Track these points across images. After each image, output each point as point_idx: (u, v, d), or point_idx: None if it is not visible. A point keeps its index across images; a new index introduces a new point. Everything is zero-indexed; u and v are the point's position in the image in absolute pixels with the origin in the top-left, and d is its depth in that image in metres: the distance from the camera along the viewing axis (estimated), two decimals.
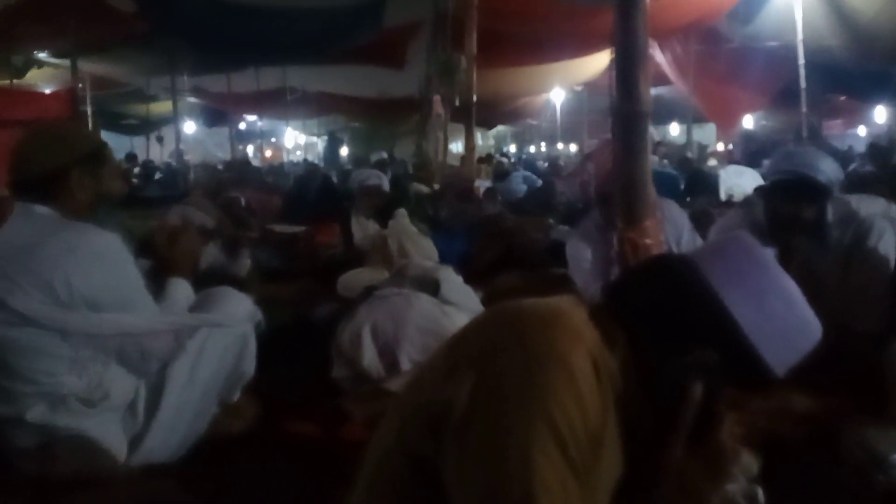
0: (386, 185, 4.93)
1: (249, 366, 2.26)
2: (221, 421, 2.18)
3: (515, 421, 0.92)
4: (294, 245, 5.05)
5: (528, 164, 13.79)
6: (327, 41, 9.48)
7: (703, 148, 16.53)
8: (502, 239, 4.91)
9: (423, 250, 3.82)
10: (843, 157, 10.34)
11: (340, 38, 9.36)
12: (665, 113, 17.65)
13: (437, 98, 8.39)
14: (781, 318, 1.00)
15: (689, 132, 13.77)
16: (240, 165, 14.12)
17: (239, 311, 2.23)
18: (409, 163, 12.41)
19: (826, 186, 2.63)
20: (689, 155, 11.32)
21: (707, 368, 0.97)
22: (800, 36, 8.74)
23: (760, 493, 1.85)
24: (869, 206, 2.89)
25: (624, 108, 1.96)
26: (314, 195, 6.86)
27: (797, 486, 1.94)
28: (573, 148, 18.99)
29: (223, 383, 2.17)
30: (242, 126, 20.84)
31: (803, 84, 8.94)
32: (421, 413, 1.03)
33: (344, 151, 20.05)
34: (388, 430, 1.11)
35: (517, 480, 0.89)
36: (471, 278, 3.30)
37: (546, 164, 13.17)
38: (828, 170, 2.64)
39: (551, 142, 20.28)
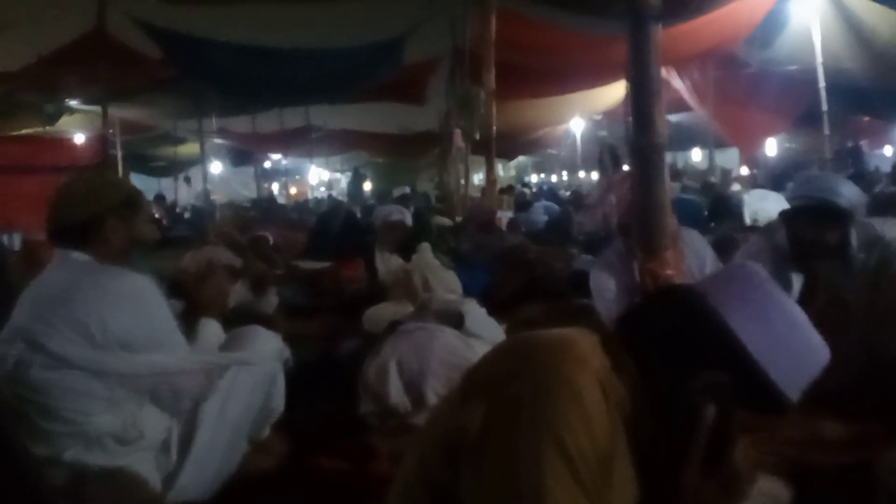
0: (408, 220, 4.98)
1: (279, 403, 2.29)
2: (252, 458, 2.21)
3: (527, 445, 0.95)
4: (319, 281, 5.10)
5: (550, 193, 13.82)
6: (350, 80, 9.68)
7: (726, 173, 16.46)
8: (524, 270, 4.91)
9: (446, 283, 3.83)
10: (870, 178, 10.24)
11: (362, 76, 9.55)
12: (686, 138, 17.63)
13: (457, 132, 8.49)
14: (788, 341, 1.03)
15: (711, 157, 13.72)
16: (265, 203, 14.34)
17: (267, 349, 2.27)
18: (432, 196, 12.52)
19: (847, 211, 2.62)
20: (713, 180, 11.26)
21: (718, 392, 0.99)
22: (819, 59, 8.73)
23: None
24: (893, 228, 2.87)
25: (640, 141, 1.99)
26: (338, 231, 6.93)
27: None
28: (594, 176, 19.02)
29: (253, 421, 2.20)
30: (268, 165, 21.21)
31: (825, 107, 8.91)
32: (438, 444, 1.07)
33: (367, 186, 20.28)
34: (409, 463, 1.14)
35: (530, 503, 0.93)
36: (494, 310, 3.31)
37: (568, 193, 13.18)
38: (849, 194, 2.63)
39: (572, 171, 20.32)
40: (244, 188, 21.38)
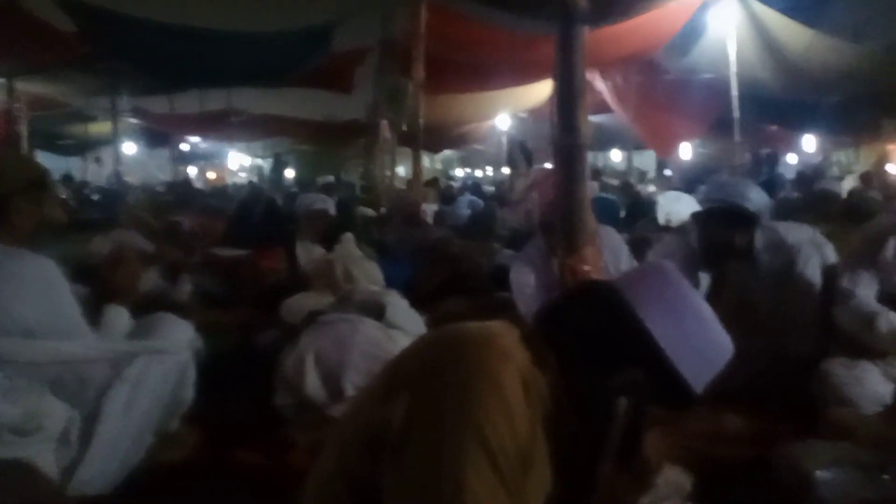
0: (332, 210, 4.90)
1: (189, 394, 2.22)
2: (160, 450, 2.14)
3: (448, 438, 0.96)
4: (237, 270, 4.96)
5: (475, 188, 13.92)
6: (276, 66, 9.43)
7: (642, 174, 17.01)
8: (448, 263, 4.92)
9: (368, 275, 3.79)
10: (777, 184, 10.79)
11: (289, 62, 9.32)
12: (606, 139, 18.11)
13: (384, 123, 8.43)
14: (697, 337, 1.07)
15: (629, 159, 14.13)
16: (181, 188, 13.85)
17: (179, 337, 2.19)
18: (357, 186, 12.39)
19: (755, 214, 2.74)
20: (631, 181, 11.60)
21: (632, 387, 1.02)
22: (733, 69, 9.13)
23: None
24: (796, 232, 3.03)
25: (563, 140, 2.02)
26: (258, 218, 6.76)
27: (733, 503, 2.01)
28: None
29: (162, 411, 2.13)
30: (185, 147, 20.47)
31: (736, 114, 9.33)
32: (360, 436, 1.06)
33: (290, 174, 19.87)
34: (328, 455, 1.12)
35: (449, 495, 0.93)
36: (416, 302, 3.31)
37: (493, 189, 13.29)
38: (756, 198, 2.76)
39: (497, 167, 20.54)
40: (159, 171, 20.56)
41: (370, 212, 7.07)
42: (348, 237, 4.34)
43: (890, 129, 14.48)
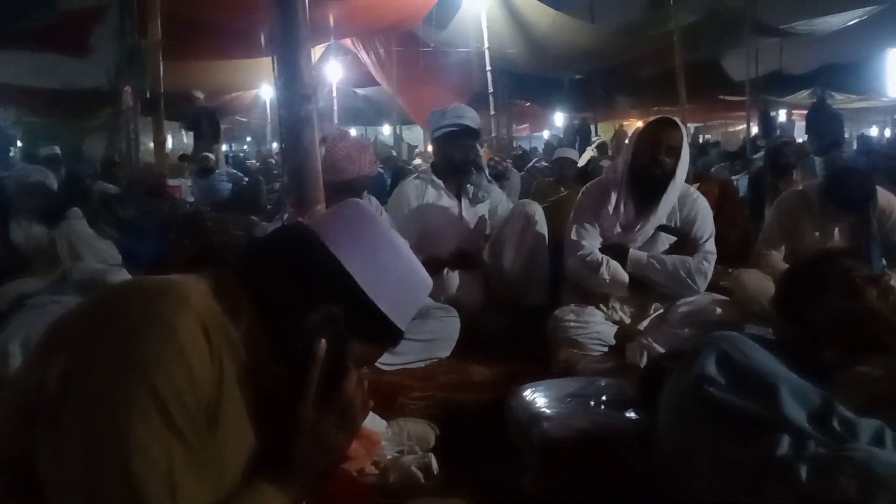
0: (52, 183, 4.31)
1: None
2: None
3: (113, 392, 0.85)
4: None
5: (237, 162, 13.30)
6: None
7: (411, 148, 17.42)
8: (200, 237, 4.61)
9: (98, 253, 3.43)
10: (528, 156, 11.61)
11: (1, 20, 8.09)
12: (374, 114, 18.30)
13: (127, 89, 7.66)
14: (395, 271, 1.04)
15: (396, 133, 14.37)
16: None
17: None
18: (98, 160, 11.20)
19: (475, 130, 3.28)
20: (394, 154, 11.82)
21: (330, 325, 0.98)
22: (486, 44, 9.59)
23: (434, 461, 1.93)
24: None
25: (287, 91, 1.90)
26: None
27: (476, 447, 2.08)
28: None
29: None
30: None
31: (491, 89, 9.85)
32: (11, 410, 0.91)
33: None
34: None
35: (114, 454, 0.83)
36: None
37: (257, 163, 12.78)
38: (473, 116, 3.29)
39: (264, 140, 19.84)
40: None
41: (111, 187, 6.41)
42: (75, 212, 3.87)
43: (624, 104, 16.29)
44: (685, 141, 2.74)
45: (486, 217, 3.39)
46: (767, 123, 13.07)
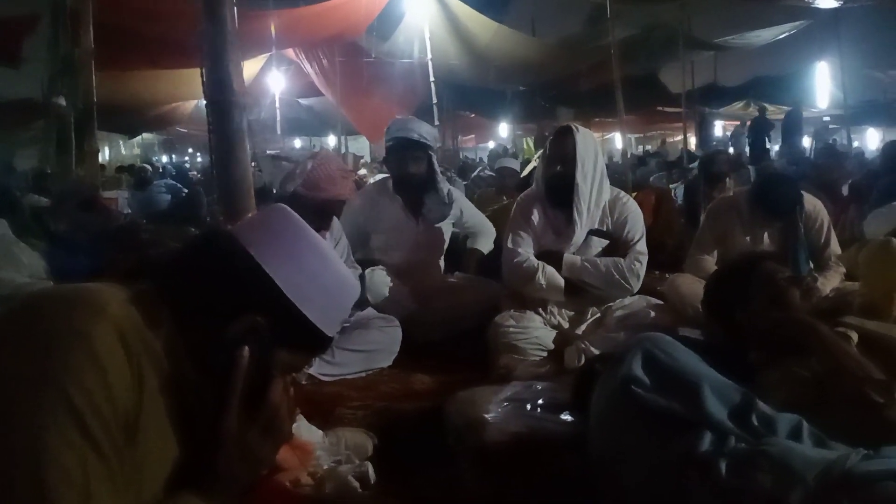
0: None
1: None
2: None
3: (27, 402, 0.83)
4: None
5: (178, 173, 13.01)
6: None
7: (356, 158, 17.31)
8: (135, 250, 4.50)
9: (23, 267, 3.31)
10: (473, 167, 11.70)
11: None
12: (319, 124, 18.15)
13: (58, 101, 7.41)
14: (321, 277, 1.03)
15: (341, 143, 14.29)
16: None
17: None
18: (28, 173, 10.83)
19: (427, 143, 3.23)
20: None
21: (254, 333, 0.97)
22: (429, 55, 9.64)
23: (371, 469, 1.92)
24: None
25: (216, 96, 1.87)
26: None
27: (415, 455, 2.07)
28: None
29: None
30: None
31: (434, 100, 9.88)
32: None
33: None
34: None
35: (26, 466, 0.81)
36: None
37: (198, 174, 12.53)
38: (422, 130, 3.24)
39: (205, 151, 19.47)
40: None
41: (42, 199, 6.20)
42: (1, 224, 3.74)
43: (566, 115, 16.55)
44: (584, 146, 2.79)
45: (446, 230, 3.40)
46: (704, 134, 13.49)
